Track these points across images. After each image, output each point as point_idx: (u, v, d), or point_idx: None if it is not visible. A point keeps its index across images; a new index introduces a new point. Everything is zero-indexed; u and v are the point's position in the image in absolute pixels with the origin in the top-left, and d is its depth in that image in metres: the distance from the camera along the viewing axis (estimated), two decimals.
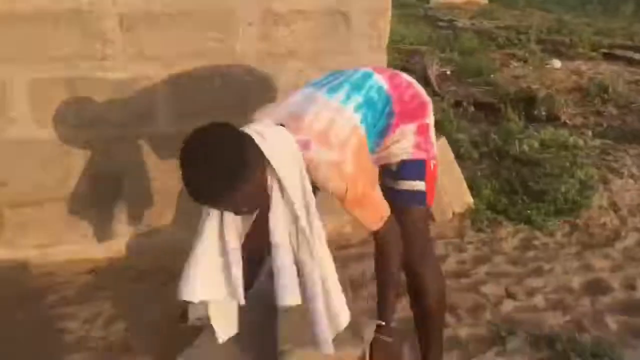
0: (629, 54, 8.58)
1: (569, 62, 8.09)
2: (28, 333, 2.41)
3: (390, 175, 1.92)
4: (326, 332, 1.66)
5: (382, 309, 1.83)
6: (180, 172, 1.49)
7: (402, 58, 7.49)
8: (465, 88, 6.68)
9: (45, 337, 2.41)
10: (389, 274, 1.82)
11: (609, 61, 8.33)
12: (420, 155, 1.93)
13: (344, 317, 1.68)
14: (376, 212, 1.75)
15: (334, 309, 1.65)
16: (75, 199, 2.91)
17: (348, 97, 1.78)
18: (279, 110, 1.76)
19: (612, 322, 2.59)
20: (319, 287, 1.63)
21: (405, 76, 2.03)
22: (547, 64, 7.84)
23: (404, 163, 1.93)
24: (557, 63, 7.89)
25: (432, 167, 1.96)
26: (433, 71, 6.89)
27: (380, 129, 1.86)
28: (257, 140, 1.54)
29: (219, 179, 1.46)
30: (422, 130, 1.95)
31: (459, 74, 7.27)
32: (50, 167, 2.84)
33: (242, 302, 1.77)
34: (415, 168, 1.93)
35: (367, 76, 1.90)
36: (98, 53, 2.73)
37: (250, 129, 1.59)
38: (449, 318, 2.55)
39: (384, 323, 1.82)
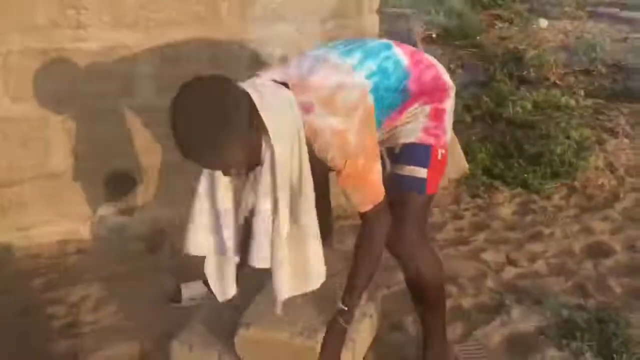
0: (615, 11, 8.50)
1: (554, 21, 8.00)
2: (14, 319, 2.31)
3: (392, 158, 1.78)
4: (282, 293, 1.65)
5: (348, 294, 1.73)
6: (170, 122, 1.40)
7: (387, 21, 7.33)
8: (453, 50, 6.57)
9: (32, 324, 2.31)
10: (366, 262, 1.70)
11: (595, 19, 8.25)
12: (428, 140, 1.79)
13: (316, 281, 1.68)
14: (369, 193, 1.64)
15: (306, 272, 1.66)
16: (56, 177, 2.78)
17: (361, 63, 1.66)
18: (286, 69, 1.66)
19: (616, 286, 2.54)
20: (286, 256, 1.60)
21: (428, 56, 1.90)
22: (533, 24, 7.75)
23: (407, 146, 1.79)
24: (543, 23, 7.80)
25: (439, 155, 1.80)
26: (418, 34, 6.76)
27: (392, 105, 1.73)
28: (255, 97, 1.44)
29: (208, 135, 1.37)
30: (436, 115, 1.81)
31: (444, 37, 7.15)
32: (28, 145, 2.71)
33: (235, 261, 1.73)
34: (419, 153, 1.79)
35: (385, 47, 1.78)
36: (72, 21, 2.57)
37: (249, 85, 1.49)
38: (450, 287, 2.49)
39: (345, 308, 1.73)
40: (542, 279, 2.61)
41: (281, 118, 1.48)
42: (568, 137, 3.72)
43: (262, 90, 1.49)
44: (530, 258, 2.77)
